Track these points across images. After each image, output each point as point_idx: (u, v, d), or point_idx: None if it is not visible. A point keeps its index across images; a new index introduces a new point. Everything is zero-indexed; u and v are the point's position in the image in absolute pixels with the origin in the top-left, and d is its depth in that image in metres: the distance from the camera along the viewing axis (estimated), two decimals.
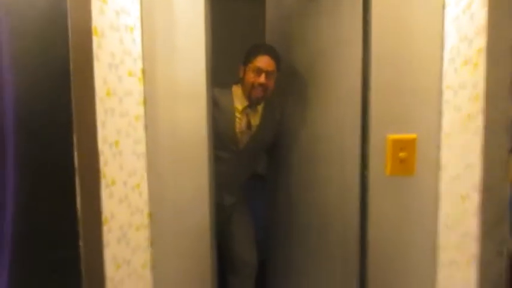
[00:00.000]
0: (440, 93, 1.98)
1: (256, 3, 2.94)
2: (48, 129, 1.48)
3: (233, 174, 2.62)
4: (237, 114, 2.53)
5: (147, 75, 2.12)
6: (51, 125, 1.48)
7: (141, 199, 2.04)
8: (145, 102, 2.12)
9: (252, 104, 2.53)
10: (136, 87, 2.00)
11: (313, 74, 2.48)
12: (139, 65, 2.04)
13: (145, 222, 2.11)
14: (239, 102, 2.54)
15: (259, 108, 2.58)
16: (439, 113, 1.99)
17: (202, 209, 2.20)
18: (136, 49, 2.00)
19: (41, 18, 1.40)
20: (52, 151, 1.50)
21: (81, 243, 1.52)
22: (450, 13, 1.87)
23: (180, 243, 2.23)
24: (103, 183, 1.59)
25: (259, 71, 2.39)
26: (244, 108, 2.53)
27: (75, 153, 1.48)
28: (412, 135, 2.01)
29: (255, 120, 2.59)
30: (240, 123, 2.53)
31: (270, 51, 2.40)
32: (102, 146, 1.59)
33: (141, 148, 2.06)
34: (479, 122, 1.56)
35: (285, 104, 2.67)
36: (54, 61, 1.45)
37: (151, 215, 2.18)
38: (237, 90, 2.56)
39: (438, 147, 2.00)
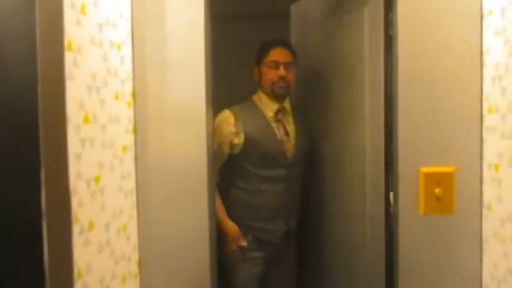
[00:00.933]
0: (480, 118, 1.68)
1: (280, 28, 2.80)
2: (11, 165, 1.19)
3: (292, 193, 2.32)
4: (272, 123, 2.26)
5: (137, 98, 1.85)
6: (14, 158, 1.19)
7: (128, 244, 1.74)
8: (135, 130, 1.84)
9: (278, 100, 2.28)
10: (124, 112, 1.72)
11: (337, 96, 2.24)
12: (128, 87, 1.77)
13: (134, 271, 1.80)
14: (268, 108, 2.27)
15: (288, 112, 2.33)
16: (481, 141, 1.69)
17: (201, 256, 1.89)
18: (125, 69, 1.73)
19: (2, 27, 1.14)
20: (15, 191, 1.21)
21: None
22: (492, 24, 1.59)
23: None
24: (76, 228, 1.29)
25: (276, 65, 2.17)
26: (276, 114, 2.27)
27: (43, 193, 1.19)
28: (450, 168, 1.71)
29: (290, 126, 2.33)
30: (278, 130, 2.27)
31: (283, 43, 2.22)
32: (76, 184, 1.29)
33: (130, 184, 1.77)
34: None
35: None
36: (18, 79, 1.17)
37: (140, 263, 1.87)
38: (259, 98, 2.29)
39: (480, 182, 1.70)
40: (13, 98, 1.16)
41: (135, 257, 1.82)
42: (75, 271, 1.28)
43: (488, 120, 1.64)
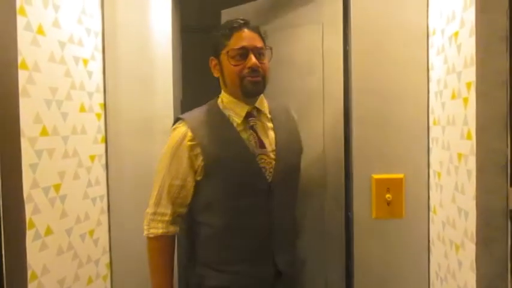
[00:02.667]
0: (427, 129, 1.72)
1: None
2: None
3: (279, 224, 1.55)
4: (242, 133, 1.52)
5: (109, 110, 1.92)
6: None
7: (95, 247, 1.80)
8: (106, 140, 1.92)
9: (248, 101, 1.53)
10: (92, 123, 1.79)
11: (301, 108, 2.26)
12: (97, 99, 1.84)
13: (103, 273, 1.87)
14: (234, 114, 1.54)
15: (264, 114, 1.58)
16: (427, 151, 1.73)
17: None
18: (93, 82, 1.80)
19: None
20: None
21: None
22: (436, 43, 1.64)
23: None
24: (31, 233, 1.36)
25: (243, 53, 1.47)
26: (246, 119, 1.53)
27: (0, 200, 1.26)
28: (399, 175, 1.75)
29: (267, 133, 1.56)
30: (250, 142, 1.51)
31: (248, 25, 1.51)
32: (31, 192, 1.36)
33: (98, 191, 1.84)
34: (471, 162, 1.30)
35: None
36: None
37: (111, 265, 1.93)
38: (222, 101, 1.57)
39: (427, 188, 1.73)
40: None
41: (104, 259, 1.88)
42: (29, 273, 1.35)
43: (434, 131, 1.67)
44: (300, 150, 1.64)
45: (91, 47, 1.79)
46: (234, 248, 1.52)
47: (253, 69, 1.46)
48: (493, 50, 1.22)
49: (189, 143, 1.48)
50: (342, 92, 1.89)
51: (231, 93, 1.53)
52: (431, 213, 1.73)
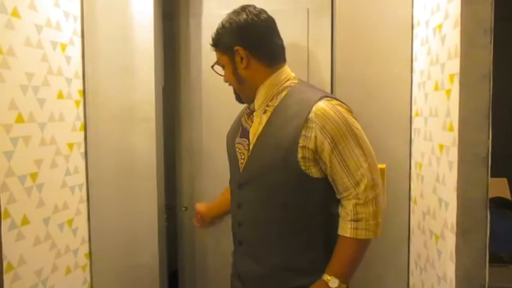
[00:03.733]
0: (409, 120, 1.73)
1: None
2: None
3: (252, 221, 1.38)
4: (243, 118, 1.48)
5: (88, 97, 1.87)
6: None
7: (74, 237, 1.77)
8: (85, 127, 1.87)
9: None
10: (71, 110, 1.74)
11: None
12: (76, 85, 1.79)
13: (82, 263, 1.83)
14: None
15: (275, 102, 1.37)
16: (409, 142, 1.73)
17: (151, 248, 1.93)
18: (72, 68, 1.75)
19: None
20: None
21: None
22: (420, 34, 1.63)
23: (125, 285, 1.94)
24: (6, 223, 1.32)
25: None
26: (245, 109, 1.50)
27: None
28: (381, 165, 1.75)
29: (256, 126, 1.39)
30: (241, 129, 1.46)
31: (213, 44, 1.44)
32: (5, 181, 1.32)
33: (78, 179, 1.80)
34: (453, 154, 1.30)
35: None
36: None
37: (91, 255, 1.90)
38: None
39: (408, 179, 1.74)
40: None
41: (83, 249, 1.85)
42: (5, 263, 1.31)
43: (416, 122, 1.67)
44: (283, 156, 1.29)
45: (69, 31, 1.73)
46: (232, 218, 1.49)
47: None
48: (477, 42, 1.21)
49: None
50: (330, 82, 1.89)
51: None
52: (411, 204, 1.74)
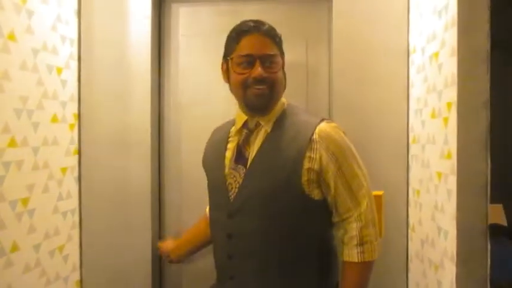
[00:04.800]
0: (406, 146, 1.72)
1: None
2: None
3: (243, 255, 1.30)
4: (230, 143, 1.40)
5: (83, 120, 1.85)
6: None
7: (65, 264, 1.72)
8: (79, 152, 1.84)
9: (253, 113, 1.34)
10: (65, 134, 1.72)
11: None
12: (70, 109, 1.77)
13: None
14: (235, 124, 1.40)
15: (265, 130, 1.33)
16: (406, 168, 1.72)
17: (144, 277, 1.87)
18: (67, 91, 1.73)
19: None
20: None
21: None
22: (416, 61, 1.64)
23: None
24: None
25: (249, 60, 1.28)
26: (238, 131, 1.38)
27: None
28: (378, 192, 1.73)
29: (255, 149, 1.32)
30: (231, 153, 1.37)
31: (262, 28, 1.31)
32: None
33: (70, 204, 1.76)
34: (451, 182, 1.29)
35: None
36: None
37: (82, 283, 1.84)
38: (236, 111, 1.42)
39: (406, 206, 1.73)
40: None
41: (74, 277, 1.80)
42: None
43: (414, 149, 1.67)
44: (285, 179, 1.25)
45: (66, 55, 1.73)
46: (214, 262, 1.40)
47: (259, 80, 1.26)
48: (474, 71, 1.22)
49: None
50: (328, 109, 1.89)
51: (238, 102, 1.37)
52: (410, 231, 1.72)
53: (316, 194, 1.27)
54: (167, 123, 2.01)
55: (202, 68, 1.97)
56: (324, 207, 1.30)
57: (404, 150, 1.73)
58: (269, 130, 1.31)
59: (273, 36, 1.32)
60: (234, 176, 1.31)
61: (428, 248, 1.50)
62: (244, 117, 1.35)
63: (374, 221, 1.30)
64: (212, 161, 1.41)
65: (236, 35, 1.31)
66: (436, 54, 1.42)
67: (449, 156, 1.31)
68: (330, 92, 1.85)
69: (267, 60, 1.28)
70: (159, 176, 2.00)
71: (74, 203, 1.81)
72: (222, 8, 1.98)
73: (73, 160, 1.79)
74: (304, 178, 1.24)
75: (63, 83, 1.71)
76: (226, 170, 1.33)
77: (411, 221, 1.70)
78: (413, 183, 1.67)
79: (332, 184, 1.26)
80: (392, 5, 1.75)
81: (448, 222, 1.32)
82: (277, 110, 1.34)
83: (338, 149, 1.27)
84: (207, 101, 1.97)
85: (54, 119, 1.64)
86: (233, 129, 1.39)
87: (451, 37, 1.29)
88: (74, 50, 1.81)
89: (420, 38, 1.59)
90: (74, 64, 1.81)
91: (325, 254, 1.33)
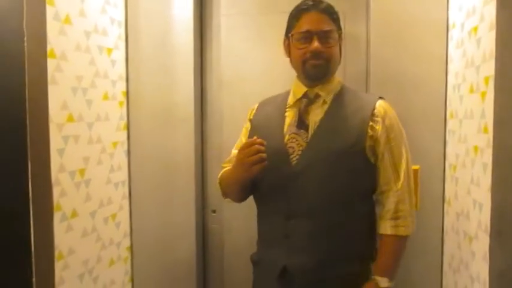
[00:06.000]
0: (444, 121, 1.72)
1: None
2: (2, 157, 1.32)
3: (301, 218, 1.37)
4: (287, 111, 1.47)
5: (131, 98, 1.96)
6: (4, 153, 1.32)
7: (117, 231, 1.86)
8: (128, 127, 1.96)
9: (311, 83, 1.44)
10: (114, 111, 1.83)
11: None
12: (119, 87, 1.88)
13: (124, 256, 1.92)
14: (293, 95, 1.48)
15: (322, 99, 1.43)
16: (443, 143, 1.73)
17: (188, 242, 2.00)
18: (116, 71, 1.84)
19: None
20: (7, 179, 1.34)
21: (34, 280, 1.34)
22: (455, 36, 1.63)
23: (163, 278, 2.02)
24: (58, 215, 1.41)
25: (307, 36, 1.39)
26: (298, 100, 1.46)
27: (30, 183, 1.31)
28: (415, 167, 1.75)
29: (315, 116, 1.42)
30: (290, 120, 1.45)
31: (319, 6, 1.42)
32: (58, 176, 1.42)
33: (120, 176, 1.89)
34: (487, 156, 1.30)
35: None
36: (6, 86, 1.30)
37: (132, 249, 1.99)
38: (293, 84, 1.51)
39: (442, 180, 1.74)
40: (2, 101, 1.29)
41: (125, 243, 1.94)
42: (56, 253, 1.41)
43: (450, 124, 1.67)
44: (352, 143, 1.36)
45: (114, 36, 1.83)
46: (260, 233, 1.49)
47: (315, 53, 1.38)
48: None
49: (248, 117, 1.57)
50: (365, 80, 1.90)
51: (298, 75, 1.49)
52: (445, 205, 1.73)
53: (372, 159, 1.38)
54: (210, 100, 2.09)
55: (243, 47, 2.03)
56: (376, 171, 1.40)
57: (441, 125, 1.73)
58: (329, 101, 1.43)
59: (330, 14, 1.42)
60: (297, 140, 1.39)
61: (464, 220, 1.52)
62: (304, 89, 1.44)
63: (411, 198, 1.38)
64: (269, 129, 1.46)
65: (296, 13, 1.44)
66: (475, 29, 1.41)
67: (486, 130, 1.32)
68: (367, 64, 1.86)
69: (324, 36, 1.39)
70: (202, 152, 2.10)
71: (124, 175, 1.93)
72: None
73: (123, 135, 1.92)
74: (367, 143, 1.36)
75: (113, 62, 1.81)
76: (287, 136, 1.41)
77: (447, 195, 1.72)
78: (450, 158, 1.68)
79: (379, 155, 1.37)
80: None
81: (483, 195, 1.34)
82: (334, 83, 1.45)
83: (392, 125, 1.39)
84: (248, 78, 2.03)
85: (105, 97, 1.75)
86: (290, 100, 1.48)
87: (490, 11, 1.28)
88: (122, 31, 1.91)
89: (459, 13, 1.58)
90: (122, 45, 1.91)
91: (372, 215, 1.42)
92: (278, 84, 1.91)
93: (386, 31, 1.77)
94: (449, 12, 1.70)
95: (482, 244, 1.35)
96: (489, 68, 1.29)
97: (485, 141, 1.32)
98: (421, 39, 1.74)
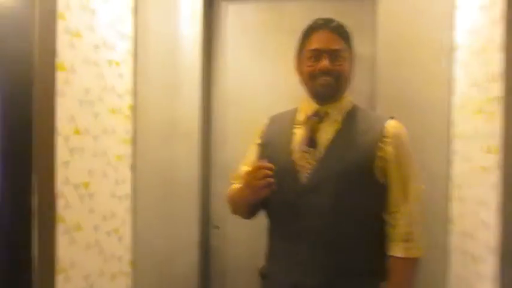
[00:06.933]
0: (447, 141, 1.70)
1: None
2: (7, 168, 1.30)
3: (312, 235, 1.35)
4: (296, 129, 1.45)
5: (137, 112, 1.94)
6: (10, 164, 1.30)
7: (120, 245, 1.82)
8: (133, 141, 1.93)
9: (321, 102, 1.42)
10: (120, 124, 1.81)
11: None
12: (126, 101, 1.86)
13: (125, 270, 1.88)
14: (303, 112, 1.47)
15: (332, 118, 1.42)
16: (448, 163, 1.70)
17: (191, 257, 1.96)
18: (123, 85, 1.83)
19: (6, 54, 1.25)
20: (11, 191, 1.32)
21: None
22: (460, 56, 1.62)
23: None
24: (61, 228, 1.38)
25: (317, 55, 1.39)
26: (308, 118, 1.43)
27: (35, 195, 1.29)
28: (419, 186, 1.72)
29: (325, 135, 1.40)
30: (299, 138, 1.42)
31: (330, 25, 1.41)
32: (62, 188, 1.39)
33: (124, 189, 1.85)
34: (496, 176, 1.28)
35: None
36: (15, 97, 1.29)
37: (134, 263, 1.94)
38: (302, 101, 1.50)
39: (446, 200, 1.71)
40: (10, 112, 1.28)
41: (127, 257, 1.89)
42: (58, 266, 1.37)
43: (455, 144, 1.66)
44: (361, 163, 1.34)
45: (123, 50, 1.82)
46: (269, 247, 1.46)
47: (324, 72, 1.38)
48: None
49: (259, 135, 1.54)
50: (370, 101, 1.88)
51: (307, 93, 1.46)
52: (450, 225, 1.70)
53: (382, 179, 1.35)
54: (215, 116, 2.08)
55: (249, 64, 2.02)
56: (385, 190, 1.37)
57: (445, 145, 1.71)
58: (340, 119, 1.41)
59: (340, 33, 1.42)
60: (306, 158, 1.38)
61: (470, 241, 1.48)
62: (314, 106, 1.43)
63: (421, 220, 1.36)
64: (278, 146, 1.45)
65: (307, 31, 1.44)
66: (482, 50, 1.40)
67: (494, 151, 1.29)
68: (372, 83, 1.85)
69: (334, 54, 1.39)
70: (206, 167, 2.07)
71: (127, 189, 1.90)
72: (268, 5, 2.02)
73: (127, 149, 1.89)
74: (377, 164, 1.33)
75: (120, 76, 1.80)
76: (296, 154, 1.39)
77: (452, 215, 1.69)
78: (455, 178, 1.65)
79: (389, 174, 1.34)
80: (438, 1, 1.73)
81: (492, 215, 1.31)
82: (345, 102, 1.44)
83: (402, 145, 1.37)
84: (253, 95, 2.02)
85: (112, 110, 1.73)
86: (299, 117, 1.46)
87: (498, 32, 1.27)
88: (130, 45, 1.89)
89: (466, 34, 1.57)
90: (130, 59, 1.89)
91: (381, 233, 1.38)
92: (283, 101, 1.89)
93: (393, 51, 1.77)
94: (455, 32, 1.69)
95: (489, 265, 1.32)
96: (497, 89, 1.27)
97: (493, 161, 1.30)
98: (427, 59, 1.74)
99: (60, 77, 1.36)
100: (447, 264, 1.72)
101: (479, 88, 1.41)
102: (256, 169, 1.28)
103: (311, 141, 1.39)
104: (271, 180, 1.26)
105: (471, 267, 1.47)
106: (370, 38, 1.89)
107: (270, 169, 1.27)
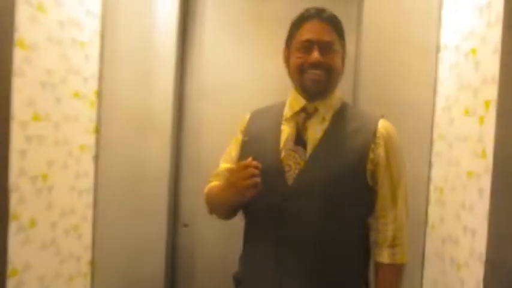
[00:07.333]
0: (430, 143, 1.66)
1: None
2: None
3: (296, 242, 1.23)
4: (284, 126, 1.31)
5: (103, 98, 1.77)
6: None
7: (79, 243, 1.66)
8: (97, 130, 1.77)
9: (309, 97, 1.29)
10: (84, 111, 1.64)
11: None
12: (92, 86, 1.69)
13: (84, 271, 1.71)
14: (290, 107, 1.33)
15: (321, 115, 1.29)
16: (428, 165, 1.66)
17: (157, 257, 1.82)
18: (90, 68, 1.66)
19: None
20: None
21: None
22: (447, 58, 1.58)
23: None
24: (14, 226, 1.21)
25: (308, 46, 1.26)
26: (295, 114, 1.30)
27: None
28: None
29: (314, 133, 1.28)
30: (287, 136, 1.29)
31: (322, 15, 1.28)
32: (17, 180, 1.22)
33: (86, 183, 1.69)
34: (485, 181, 1.23)
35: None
36: None
37: (93, 263, 1.78)
38: (291, 94, 1.36)
39: (426, 203, 1.67)
40: None
41: (86, 257, 1.73)
42: (10, 268, 1.20)
43: (438, 146, 1.61)
44: (352, 166, 1.23)
45: (90, 29, 1.65)
46: (247, 251, 1.33)
47: (315, 65, 1.24)
48: None
49: (241, 129, 1.38)
50: (352, 100, 1.82)
51: (295, 86, 1.32)
52: (428, 229, 1.66)
53: (372, 183, 1.25)
54: (189, 108, 1.94)
55: (227, 54, 1.89)
56: (374, 195, 1.27)
57: (427, 146, 1.67)
58: (328, 118, 1.28)
59: (333, 23, 1.29)
60: (294, 158, 1.25)
61: (451, 246, 1.44)
62: (302, 102, 1.29)
63: (407, 226, 1.28)
64: (264, 143, 1.30)
65: (297, 21, 1.30)
66: (474, 51, 1.35)
67: (483, 155, 1.25)
68: (355, 81, 1.78)
69: (325, 46, 1.25)
70: (177, 162, 1.93)
71: (89, 182, 1.74)
72: None
73: (91, 138, 1.72)
74: (368, 166, 1.22)
75: (86, 58, 1.63)
76: (283, 153, 1.25)
77: (431, 218, 1.65)
78: (436, 181, 1.61)
79: (379, 178, 1.24)
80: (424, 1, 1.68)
81: (478, 221, 1.27)
82: (335, 98, 1.31)
83: (394, 147, 1.27)
84: (230, 88, 1.89)
85: (76, 95, 1.56)
86: (287, 112, 1.32)
87: (494, 34, 1.22)
88: (98, 25, 1.72)
89: (454, 35, 1.52)
90: (97, 39, 1.73)
91: (366, 246, 1.30)
92: (262, 94, 1.79)
93: (377, 51, 1.71)
94: (441, 33, 1.65)
95: (474, 271, 1.28)
96: (490, 92, 1.23)
97: (482, 166, 1.26)
98: (411, 59, 1.69)
99: (18, 54, 1.19)
100: (422, 268, 1.69)
101: (470, 90, 1.37)
102: (242, 168, 1.13)
103: (299, 139, 1.27)
104: (258, 180, 1.12)
105: (452, 274, 1.43)
106: (355, 37, 1.82)
107: (256, 168, 1.12)
